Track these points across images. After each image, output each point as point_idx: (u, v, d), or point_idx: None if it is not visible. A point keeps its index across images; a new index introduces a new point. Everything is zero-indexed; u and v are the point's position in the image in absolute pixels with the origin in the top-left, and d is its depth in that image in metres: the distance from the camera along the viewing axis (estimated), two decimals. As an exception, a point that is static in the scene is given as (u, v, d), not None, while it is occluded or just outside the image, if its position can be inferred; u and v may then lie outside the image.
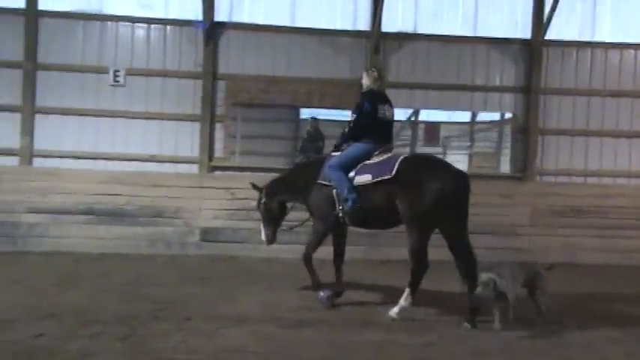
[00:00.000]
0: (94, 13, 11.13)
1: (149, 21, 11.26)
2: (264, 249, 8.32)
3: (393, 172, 6.19)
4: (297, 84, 11.44)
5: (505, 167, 12.64)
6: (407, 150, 14.30)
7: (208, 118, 11.20)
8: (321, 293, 6.67)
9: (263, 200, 7.60)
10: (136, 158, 11.07)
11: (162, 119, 11.21)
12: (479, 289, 5.53)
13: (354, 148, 6.74)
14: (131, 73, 11.14)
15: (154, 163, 11.14)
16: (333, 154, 6.95)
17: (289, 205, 7.60)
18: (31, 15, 10.82)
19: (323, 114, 12.71)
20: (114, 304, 6.30)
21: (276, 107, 12.67)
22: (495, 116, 13.64)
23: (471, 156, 15.66)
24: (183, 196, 10.68)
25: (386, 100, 6.91)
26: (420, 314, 6.26)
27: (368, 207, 6.41)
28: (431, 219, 6.04)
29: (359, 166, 6.56)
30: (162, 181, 10.74)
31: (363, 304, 6.83)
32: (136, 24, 11.26)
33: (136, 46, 11.23)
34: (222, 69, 11.34)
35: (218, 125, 11.38)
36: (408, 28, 11.67)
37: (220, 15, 11.40)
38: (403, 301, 6.17)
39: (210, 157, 11.28)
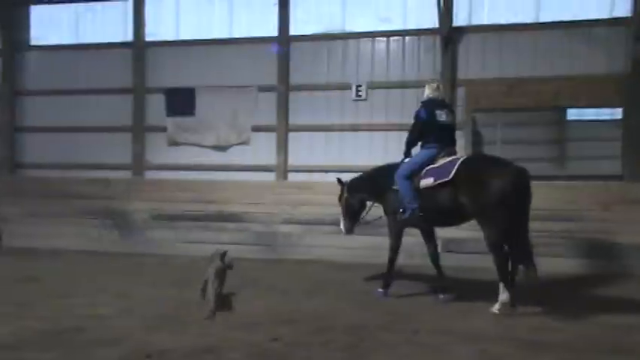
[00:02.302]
0: (337, 32, 11.71)
1: (388, 34, 11.48)
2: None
3: (452, 174, 6.64)
4: (543, 84, 10.62)
5: None
6: None
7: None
8: (379, 290, 7.41)
9: (345, 195, 8.25)
10: (379, 169, 11.29)
11: (402, 130, 11.25)
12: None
13: (418, 156, 7.25)
14: (372, 86, 11.46)
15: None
16: (404, 161, 7.36)
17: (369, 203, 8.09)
18: (283, 41, 11.78)
19: (574, 114, 11.54)
20: (349, 313, 6.42)
21: (529, 110, 11.86)
22: None
23: None
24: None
25: (444, 106, 7.37)
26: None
27: (432, 207, 6.93)
28: (496, 212, 6.33)
29: (424, 170, 7.00)
30: (404, 192, 10.75)
31: (615, 326, 5.93)
32: (376, 38, 11.56)
33: (376, 60, 11.53)
34: (461, 75, 11.07)
35: (458, 133, 11.02)
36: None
37: (459, 20, 11.14)
38: (501, 295, 6.45)
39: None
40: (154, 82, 12.40)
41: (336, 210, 10.70)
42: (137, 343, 5.27)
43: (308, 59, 11.77)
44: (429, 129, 7.15)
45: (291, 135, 11.81)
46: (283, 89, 11.74)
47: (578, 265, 9.18)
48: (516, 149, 10.92)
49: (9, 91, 12.96)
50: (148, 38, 12.46)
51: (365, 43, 11.60)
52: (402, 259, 9.64)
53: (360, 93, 11.48)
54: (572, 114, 11.53)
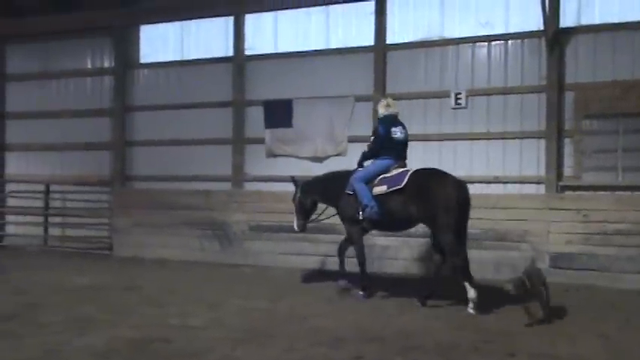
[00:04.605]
0: (435, 39, 11.35)
1: (489, 38, 10.97)
2: (628, 279, 8.45)
3: (403, 183, 7.61)
4: (664, 86, 9.69)
5: None
6: None
7: (555, 134, 10.28)
8: (360, 292, 8.14)
9: (298, 195, 9.02)
10: (480, 180, 10.77)
11: (505, 138, 10.73)
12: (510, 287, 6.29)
13: (374, 165, 8.20)
14: (472, 94, 10.98)
15: (498, 185, 10.71)
16: (359, 169, 8.30)
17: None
18: (379, 50, 11.58)
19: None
20: (440, 331, 6.10)
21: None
22: None
23: None
24: (529, 219, 9.95)
25: (399, 123, 8.27)
26: None
27: (384, 212, 7.81)
28: (442, 219, 7.28)
29: (378, 179, 7.95)
30: (506, 203, 10.19)
31: None
32: (477, 44, 11.08)
33: (477, 66, 11.04)
34: (569, 79, 10.34)
35: (566, 141, 10.37)
36: None
37: (566, 20, 10.45)
38: (470, 295, 7.18)
39: (559, 176, 10.31)
40: (253, 94, 12.58)
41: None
42: (221, 356, 5.26)
43: (405, 67, 11.46)
44: (386, 144, 8.07)
45: (388, 146, 11.55)
46: (380, 99, 11.46)
47: None
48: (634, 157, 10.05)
49: (120, 108, 13.67)
50: (248, 52, 12.69)
51: (464, 49, 11.13)
52: (489, 275, 9.23)
53: (459, 101, 11.02)
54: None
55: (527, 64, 10.68)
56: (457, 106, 11.06)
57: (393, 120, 8.27)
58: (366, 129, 11.54)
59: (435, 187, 7.45)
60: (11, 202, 14.61)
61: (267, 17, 12.62)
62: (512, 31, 10.83)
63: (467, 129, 11.00)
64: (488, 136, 10.85)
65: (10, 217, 14.67)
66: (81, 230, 13.54)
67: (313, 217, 9.16)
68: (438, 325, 6.34)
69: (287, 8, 12.36)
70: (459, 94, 11.04)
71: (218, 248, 11.97)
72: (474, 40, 11.08)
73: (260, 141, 12.45)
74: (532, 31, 10.60)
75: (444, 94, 11.14)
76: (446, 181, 7.53)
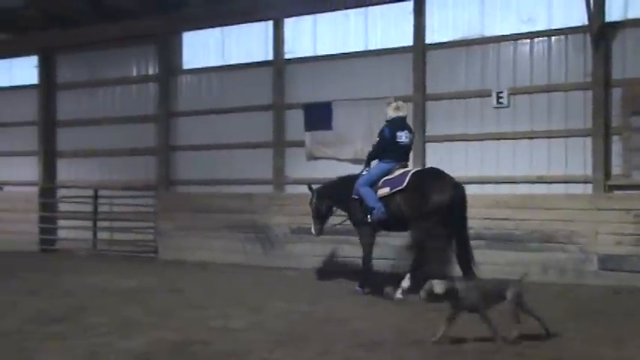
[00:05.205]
0: (475, 37, 11.17)
1: (532, 35, 10.72)
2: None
3: (405, 183, 8.00)
4: None
5: None
6: None
7: (602, 132, 9.96)
8: (357, 288, 8.58)
9: (314, 201, 9.36)
10: (523, 180, 10.57)
11: (549, 137, 10.47)
12: (421, 293, 5.72)
13: (376, 168, 8.57)
14: (514, 92, 10.76)
15: (543, 185, 10.47)
16: (363, 172, 8.67)
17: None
18: (419, 50, 11.46)
19: None
20: (483, 335, 5.96)
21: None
22: None
23: None
24: (576, 219, 9.67)
25: (405, 127, 8.62)
26: None
27: (390, 213, 8.16)
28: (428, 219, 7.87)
29: (381, 181, 8.30)
30: (552, 204, 9.94)
31: None
32: (518, 41, 10.85)
33: (519, 64, 10.80)
34: (616, 74, 10.01)
35: (614, 138, 10.04)
36: None
37: (612, 14, 10.14)
38: (404, 283, 7.92)
39: (607, 175, 10.00)
40: (293, 97, 12.63)
41: (477, 224, 10.25)
42: (258, 358, 5.30)
43: (445, 67, 11.31)
44: (390, 147, 8.40)
45: (429, 146, 11.41)
46: (419, 99, 11.38)
47: None
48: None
49: (164, 113, 13.94)
50: (287, 56, 12.76)
51: (506, 46, 10.91)
52: (535, 277, 9.02)
53: (501, 100, 10.80)
54: None
55: (571, 60, 10.40)
56: (499, 105, 10.84)
57: (399, 123, 8.59)
58: (406, 130, 11.51)
59: (431, 187, 7.91)
60: (62, 207, 15.07)
61: (306, 20, 12.66)
62: (555, 27, 10.56)
63: (509, 128, 10.77)
64: (531, 135, 10.60)
65: (61, 222, 15.12)
66: (128, 234, 13.85)
67: (338, 222, 9.47)
68: (481, 330, 6.21)
69: (326, 11, 12.36)
70: (501, 92, 10.83)
71: (260, 251, 12.06)
72: (515, 37, 10.84)
73: (300, 144, 12.49)
74: (576, 27, 10.31)
75: (486, 94, 10.95)
76: (442, 182, 7.97)
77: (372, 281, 8.72)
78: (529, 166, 10.63)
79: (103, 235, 14.47)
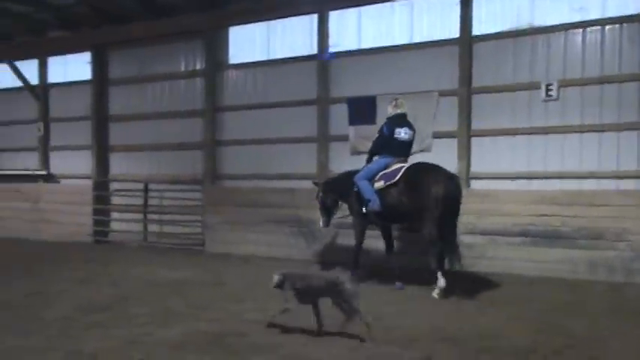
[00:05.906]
0: (524, 28, 10.86)
1: (584, 24, 10.35)
2: None
3: (397, 178, 8.28)
4: None
5: None
6: None
7: (657, 125, 9.57)
8: (397, 283, 8.67)
9: (320, 194, 9.71)
10: (572, 176, 10.25)
11: (601, 131, 10.10)
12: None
13: (374, 163, 8.86)
14: (564, 84, 10.42)
15: (593, 180, 10.12)
16: (363, 167, 8.96)
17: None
18: (465, 42, 11.23)
19: None
20: (521, 333, 5.84)
21: None
22: None
23: None
24: (627, 217, 9.31)
25: (405, 124, 8.79)
26: None
27: (384, 205, 8.43)
28: (429, 211, 7.89)
29: (378, 175, 8.59)
30: (602, 200, 9.59)
31: None
32: (569, 31, 10.49)
33: (569, 55, 10.45)
34: (673, 65, 9.58)
35: (668, 134, 9.62)
36: None
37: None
38: (440, 282, 7.94)
39: (661, 171, 9.59)
40: (337, 92, 12.58)
41: (524, 220, 10.03)
42: (290, 351, 5.32)
43: (492, 60, 11.03)
44: (388, 143, 8.67)
45: (474, 140, 11.18)
46: (465, 93, 11.15)
47: None
48: None
49: (211, 108, 14.13)
50: (332, 50, 12.72)
51: (556, 37, 10.56)
52: (582, 275, 8.75)
53: (550, 92, 10.47)
54: None
55: (625, 50, 10.00)
56: (548, 98, 10.53)
57: (398, 120, 8.78)
58: (452, 124, 11.31)
59: (425, 180, 8.03)
60: (115, 200, 15.51)
61: (350, 13, 12.59)
62: (608, 15, 10.17)
63: (558, 122, 10.45)
64: (581, 129, 10.26)
65: (114, 215, 15.56)
66: (177, 227, 14.13)
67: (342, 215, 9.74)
68: (518, 327, 6.08)
69: (370, 3, 12.26)
70: (551, 85, 10.50)
71: (304, 245, 12.10)
72: (566, 27, 10.49)
73: (344, 138, 12.45)
74: (631, 15, 9.92)
75: (534, 86, 10.64)
76: (436, 175, 8.09)
77: (360, 271, 8.87)
78: (579, 162, 10.29)
79: (153, 227, 14.81)
